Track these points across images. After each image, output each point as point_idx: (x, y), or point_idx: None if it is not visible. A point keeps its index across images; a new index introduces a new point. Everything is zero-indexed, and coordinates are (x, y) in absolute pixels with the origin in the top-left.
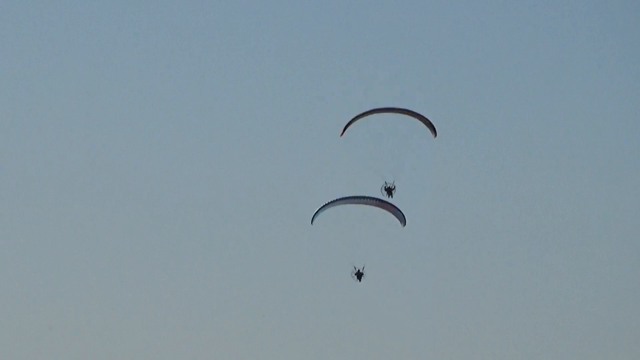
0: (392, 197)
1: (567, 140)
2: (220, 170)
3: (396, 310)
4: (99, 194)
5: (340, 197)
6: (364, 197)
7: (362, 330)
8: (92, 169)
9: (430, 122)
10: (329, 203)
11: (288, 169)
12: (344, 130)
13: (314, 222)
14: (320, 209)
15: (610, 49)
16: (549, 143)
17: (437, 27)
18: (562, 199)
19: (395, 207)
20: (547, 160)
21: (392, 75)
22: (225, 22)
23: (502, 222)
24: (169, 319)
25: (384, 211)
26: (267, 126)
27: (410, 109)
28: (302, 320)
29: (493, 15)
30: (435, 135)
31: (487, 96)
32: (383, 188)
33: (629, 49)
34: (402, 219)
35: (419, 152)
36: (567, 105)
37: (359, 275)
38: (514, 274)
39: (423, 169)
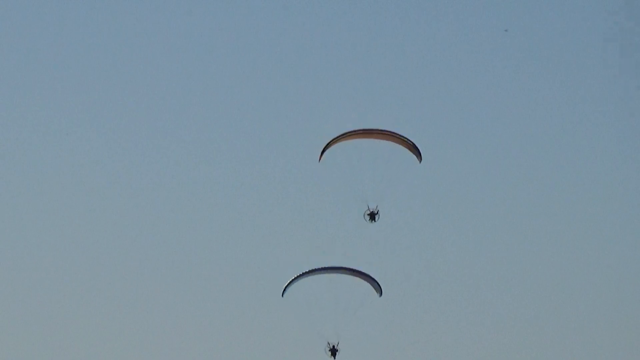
0: (375, 221)
1: (557, 165)
2: (190, 200)
3: None
4: (97, 194)
5: (312, 268)
6: (338, 268)
7: None
8: (89, 170)
9: (415, 146)
10: (300, 275)
11: (265, 197)
12: (322, 154)
13: (284, 295)
14: (291, 281)
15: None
16: (536, 173)
17: (421, 52)
18: (550, 230)
19: (371, 277)
20: (534, 190)
21: (373, 98)
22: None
23: (487, 255)
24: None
25: (360, 281)
26: (243, 151)
27: (393, 131)
28: None
29: (479, 39)
30: (421, 160)
31: (475, 119)
32: (366, 214)
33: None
34: (379, 289)
35: (403, 177)
36: (555, 129)
37: (334, 351)
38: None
39: (408, 195)
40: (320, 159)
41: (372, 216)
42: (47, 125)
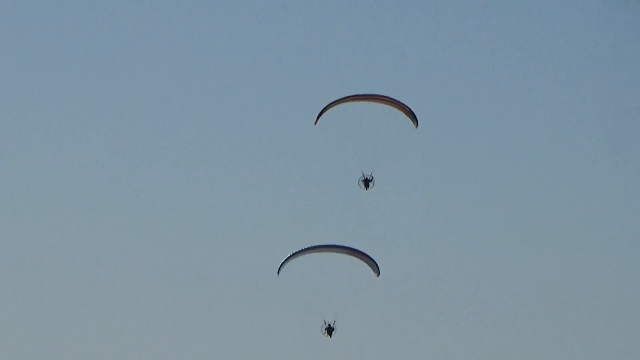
0: (368, 189)
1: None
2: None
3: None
4: (97, 194)
5: (308, 246)
6: (334, 246)
7: None
8: (89, 170)
9: (411, 111)
10: (296, 253)
11: (259, 159)
12: (318, 118)
13: (280, 273)
14: (287, 259)
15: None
16: (539, 137)
17: (420, 19)
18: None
19: (368, 256)
20: (538, 155)
21: (371, 62)
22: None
23: (489, 222)
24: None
25: (357, 260)
26: (237, 114)
27: (390, 96)
28: None
29: (480, 12)
30: (417, 125)
31: (474, 85)
32: (360, 180)
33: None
34: (376, 269)
35: (399, 142)
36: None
37: (330, 330)
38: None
39: (403, 161)
40: (316, 122)
41: (367, 183)
42: (47, 125)
